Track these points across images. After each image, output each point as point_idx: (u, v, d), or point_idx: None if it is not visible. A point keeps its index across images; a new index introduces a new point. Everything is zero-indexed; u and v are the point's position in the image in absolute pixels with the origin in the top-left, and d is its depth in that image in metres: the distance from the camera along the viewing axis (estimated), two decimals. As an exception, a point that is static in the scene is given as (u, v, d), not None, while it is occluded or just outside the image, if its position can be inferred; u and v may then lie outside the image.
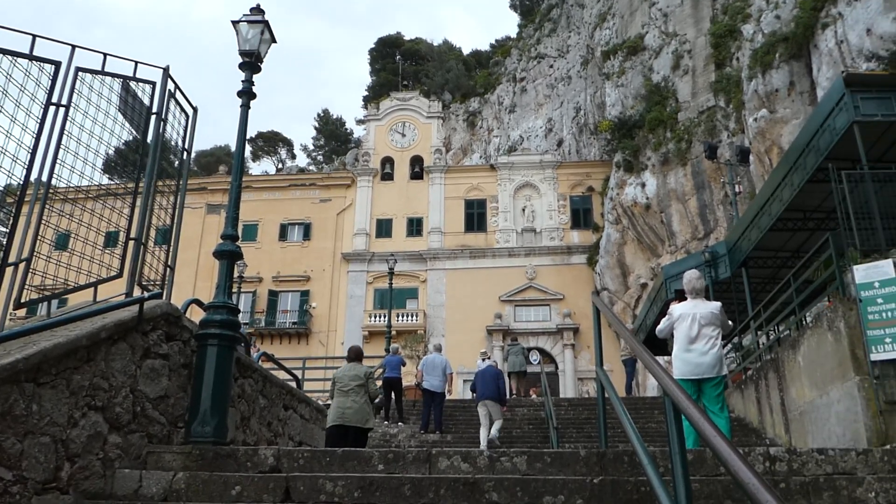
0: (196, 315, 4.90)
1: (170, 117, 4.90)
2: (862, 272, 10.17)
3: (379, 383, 15.85)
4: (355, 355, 8.48)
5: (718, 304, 6.81)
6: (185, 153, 5.16)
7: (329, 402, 7.38)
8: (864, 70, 20.80)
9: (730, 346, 15.59)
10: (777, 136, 27.54)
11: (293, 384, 8.04)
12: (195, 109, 5.35)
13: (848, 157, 12.24)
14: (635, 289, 34.83)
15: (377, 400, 10.46)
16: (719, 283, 18.06)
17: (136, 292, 4.23)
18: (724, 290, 18.59)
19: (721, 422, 6.54)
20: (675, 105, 34.41)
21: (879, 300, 9.92)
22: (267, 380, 5.81)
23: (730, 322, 7.04)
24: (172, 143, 5.07)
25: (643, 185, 34.27)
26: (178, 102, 5.09)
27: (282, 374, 9.14)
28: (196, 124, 5.25)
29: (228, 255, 4.46)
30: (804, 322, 12.16)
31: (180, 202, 4.92)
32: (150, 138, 4.62)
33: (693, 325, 6.52)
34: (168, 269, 4.72)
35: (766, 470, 3.73)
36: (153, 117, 4.72)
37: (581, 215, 40.93)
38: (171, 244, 4.75)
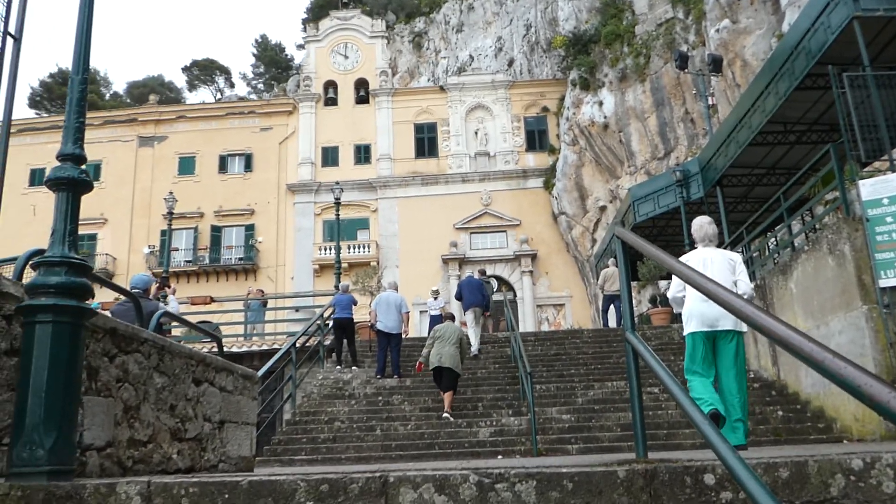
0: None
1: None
2: (869, 188, 8.97)
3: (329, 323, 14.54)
4: (450, 317, 12.10)
5: (738, 255, 6.00)
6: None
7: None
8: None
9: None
10: (740, 47, 26.27)
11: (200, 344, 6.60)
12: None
13: (840, 60, 10.98)
14: (594, 212, 33.81)
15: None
16: (691, 204, 16.97)
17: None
18: (695, 210, 17.51)
19: (734, 386, 5.54)
20: (631, 18, 32.80)
21: (889, 219, 8.74)
22: (165, 351, 4.34)
23: (751, 286, 6.05)
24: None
25: (600, 104, 32.88)
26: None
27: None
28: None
29: (68, 185, 2.94)
30: (795, 245, 11.08)
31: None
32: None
33: (708, 272, 5.44)
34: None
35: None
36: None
37: (536, 137, 39.43)
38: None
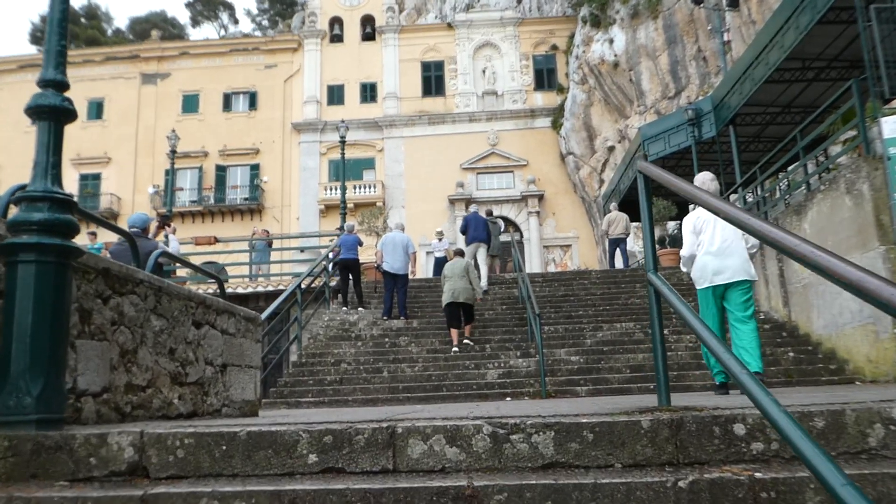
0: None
1: None
2: (891, 125, 8.66)
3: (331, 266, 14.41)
4: (458, 253, 11.72)
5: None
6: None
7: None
8: None
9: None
10: (757, -19, 25.40)
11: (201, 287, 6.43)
12: None
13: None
14: (602, 152, 33.33)
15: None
16: (703, 143, 16.60)
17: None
18: (707, 150, 17.18)
19: (748, 328, 5.57)
20: (645, -50, 31.68)
21: (911, 158, 8.49)
22: (162, 292, 4.17)
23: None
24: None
25: (611, 42, 32.06)
26: None
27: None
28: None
29: (50, 113, 2.73)
30: (810, 185, 10.79)
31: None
32: None
33: (714, 229, 5.67)
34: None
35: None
36: None
37: (545, 76, 38.62)
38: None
